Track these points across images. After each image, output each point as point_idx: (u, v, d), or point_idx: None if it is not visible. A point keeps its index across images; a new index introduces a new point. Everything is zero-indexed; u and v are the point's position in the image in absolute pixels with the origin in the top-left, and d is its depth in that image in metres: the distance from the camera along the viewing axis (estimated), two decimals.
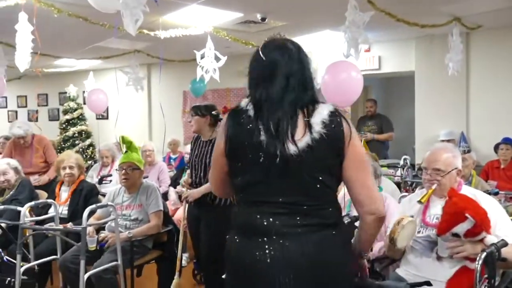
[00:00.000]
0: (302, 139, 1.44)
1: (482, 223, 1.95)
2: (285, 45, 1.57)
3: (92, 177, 5.09)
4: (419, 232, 2.23)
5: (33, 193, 3.95)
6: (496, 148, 5.00)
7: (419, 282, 1.86)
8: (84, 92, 7.73)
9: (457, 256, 2.03)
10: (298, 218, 1.46)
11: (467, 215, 1.93)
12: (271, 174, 1.45)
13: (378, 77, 7.05)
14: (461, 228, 1.96)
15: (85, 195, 3.68)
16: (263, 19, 4.75)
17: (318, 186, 1.46)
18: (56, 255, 3.21)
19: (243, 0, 4.25)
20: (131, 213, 3.36)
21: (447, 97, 5.67)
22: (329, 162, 1.48)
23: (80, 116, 8.62)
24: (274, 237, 1.45)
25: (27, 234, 3.15)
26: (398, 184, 4.35)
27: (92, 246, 3.04)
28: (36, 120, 9.37)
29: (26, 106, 9.87)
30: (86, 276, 2.77)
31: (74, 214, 3.56)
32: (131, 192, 3.42)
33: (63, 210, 3.60)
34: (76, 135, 8.39)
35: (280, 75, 1.51)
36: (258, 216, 1.47)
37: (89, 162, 7.85)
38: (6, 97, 9.87)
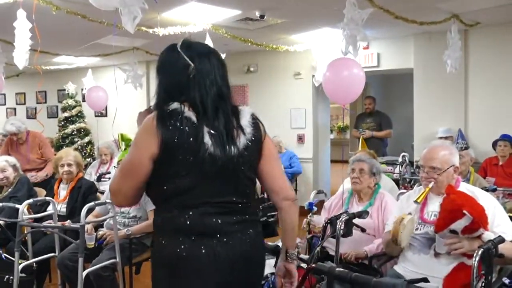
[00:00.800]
0: (239, 142, 1.55)
1: (479, 220, 1.96)
2: (210, 52, 1.63)
3: (90, 175, 5.10)
4: (417, 229, 2.24)
5: (32, 190, 3.95)
6: (494, 145, 5.01)
7: (416, 279, 1.87)
8: (82, 89, 7.72)
9: (454, 253, 2.04)
10: (234, 217, 1.56)
11: (464, 212, 1.93)
12: (210, 175, 1.50)
13: (376, 74, 7.05)
14: (459, 224, 1.96)
15: (84, 193, 3.68)
16: (261, 17, 4.74)
17: (247, 184, 1.61)
18: (55, 252, 3.21)
19: None
20: (129, 210, 3.36)
21: (445, 94, 5.68)
22: (255, 161, 1.62)
23: (79, 114, 8.60)
24: (219, 236, 1.52)
25: (25, 232, 3.15)
26: (396, 181, 4.36)
27: (91, 243, 3.05)
28: (35, 117, 9.37)
29: (25, 103, 9.86)
30: (84, 273, 2.78)
31: (73, 212, 3.56)
32: None
33: (62, 208, 3.60)
34: (75, 132, 8.37)
35: (212, 82, 1.56)
36: (202, 218, 1.51)
37: (88, 159, 7.85)
38: (4, 94, 9.85)
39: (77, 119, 8.52)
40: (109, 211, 3.36)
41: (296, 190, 6.69)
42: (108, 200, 3.13)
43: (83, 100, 7.98)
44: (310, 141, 6.83)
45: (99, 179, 4.65)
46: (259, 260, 1.67)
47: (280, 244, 2.36)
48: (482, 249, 1.84)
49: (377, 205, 2.85)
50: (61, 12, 4.16)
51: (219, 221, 1.52)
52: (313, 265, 1.86)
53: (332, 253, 2.69)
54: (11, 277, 3.08)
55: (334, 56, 4.15)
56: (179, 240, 1.50)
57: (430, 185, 2.28)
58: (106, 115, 8.51)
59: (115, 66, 7.98)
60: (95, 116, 8.70)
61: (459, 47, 4.77)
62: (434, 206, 2.25)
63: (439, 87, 5.71)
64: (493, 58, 5.41)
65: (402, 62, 6.12)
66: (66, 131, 8.30)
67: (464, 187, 2.31)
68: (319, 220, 2.84)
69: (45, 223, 3.33)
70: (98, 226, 3.41)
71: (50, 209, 3.51)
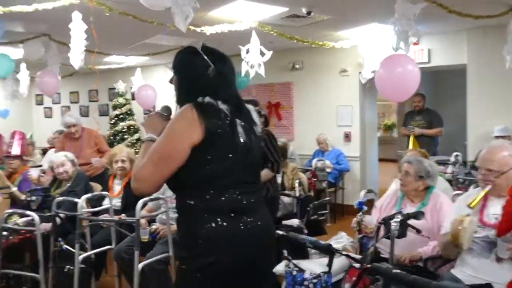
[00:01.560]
0: (257, 133, 1.79)
1: None
2: (225, 57, 1.81)
3: None
4: (476, 232, 2.16)
5: (88, 185, 4.12)
6: None
7: (479, 284, 1.80)
8: (132, 88, 7.95)
9: None
10: (256, 196, 1.75)
11: None
12: (241, 160, 1.68)
13: (427, 70, 6.83)
14: None
15: None
16: (308, 13, 4.70)
17: (259, 168, 1.88)
18: (111, 245, 3.35)
19: None
20: None
21: (502, 92, 5.42)
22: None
23: (129, 112, 8.89)
24: (249, 214, 1.68)
25: (84, 225, 3.29)
26: (449, 181, 4.22)
27: (145, 237, 3.15)
28: (87, 115, 9.75)
29: (78, 102, 10.29)
30: (140, 266, 2.88)
31: (127, 206, 3.68)
32: None
33: (116, 202, 3.73)
34: (125, 129, 8.66)
35: (231, 82, 1.78)
36: (239, 198, 1.67)
37: (137, 156, 8.09)
38: (59, 93, 10.32)
39: (127, 116, 8.81)
40: (161, 206, 3.46)
41: (343, 188, 6.62)
42: (161, 196, 3.23)
43: (133, 98, 8.23)
44: (357, 139, 6.71)
45: None
46: (274, 236, 1.88)
47: (333, 243, 2.35)
48: None
49: (431, 206, 2.75)
50: (113, 13, 4.31)
51: (250, 200, 1.70)
52: (368, 265, 1.84)
53: (384, 254, 2.65)
54: (71, 267, 3.25)
55: (382, 53, 4.06)
56: (217, 219, 1.62)
57: (487, 189, 2.19)
58: None
59: (164, 65, 8.22)
60: (144, 113, 8.96)
61: None
62: (494, 209, 2.17)
63: (495, 84, 5.46)
64: None
65: (454, 58, 5.90)
66: (116, 128, 8.60)
67: None
68: (370, 220, 2.79)
69: (101, 217, 3.46)
70: (150, 220, 3.52)
71: (105, 204, 3.67)
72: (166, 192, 3.18)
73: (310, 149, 6.79)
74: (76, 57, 4.14)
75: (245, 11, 4.69)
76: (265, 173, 3.34)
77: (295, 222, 2.52)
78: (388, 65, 3.78)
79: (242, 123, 1.70)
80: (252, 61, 4.90)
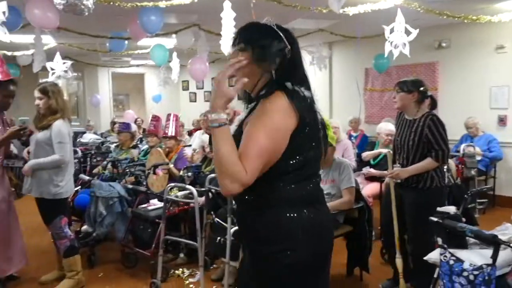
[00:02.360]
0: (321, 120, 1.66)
1: None
2: (295, 38, 1.66)
3: None
4: None
5: None
6: None
7: None
8: None
9: None
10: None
11: None
12: (321, 148, 1.61)
13: None
14: None
15: None
16: None
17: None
18: None
19: None
20: (323, 187, 3.47)
21: None
22: None
23: None
24: (323, 203, 1.65)
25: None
26: None
27: None
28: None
29: None
30: None
31: None
32: (324, 167, 3.53)
33: None
34: None
35: (302, 64, 1.65)
36: (318, 188, 1.62)
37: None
38: (202, 80, 11.13)
39: None
40: None
41: (494, 177, 6.00)
42: None
43: None
44: None
45: None
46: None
47: (497, 234, 2.16)
48: None
49: None
50: (259, 0, 4.46)
51: (321, 190, 1.66)
52: None
53: None
54: (222, 239, 3.52)
55: None
56: (303, 209, 1.54)
57: None
58: None
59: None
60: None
61: None
62: None
63: None
64: None
65: None
66: None
67: None
68: None
69: None
70: None
71: None
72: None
73: (455, 134, 6.26)
74: (227, 44, 4.39)
75: None
76: (428, 163, 3.10)
77: (451, 209, 2.36)
78: None
79: (318, 110, 1.62)
80: (396, 41, 4.66)
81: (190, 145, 5.59)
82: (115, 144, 6.15)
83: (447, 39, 6.58)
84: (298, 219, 1.52)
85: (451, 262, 2.18)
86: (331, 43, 8.09)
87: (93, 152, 6.30)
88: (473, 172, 5.54)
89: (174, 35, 5.99)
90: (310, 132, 1.54)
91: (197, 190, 3.51)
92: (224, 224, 3.45)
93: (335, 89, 8.40)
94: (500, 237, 2.14)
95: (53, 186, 3.43)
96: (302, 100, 1.52)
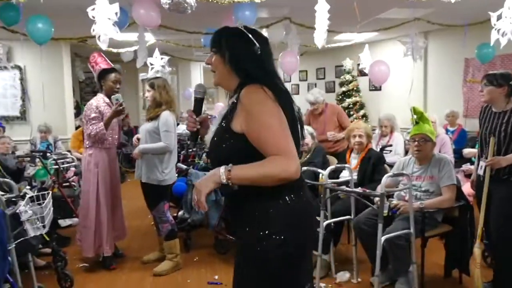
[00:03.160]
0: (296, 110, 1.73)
1: None
2: (265, 37, 1.75)
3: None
4: None
5: (325, 158, 4.39)
6: None
7: None
8: (358, 65, 8.03)
9: None
10: None
11: None
12: (298, 136, 1.68)
13: None
14: None
15: (373, 163, 3.86)
16: None
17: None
18: (350, 215, 3.50)
19: None
20: (421, 184, 3.35)
21: None
22: None
23: (355, 88, 9.02)
24: (304, 190, 1.68)
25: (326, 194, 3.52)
26: None
27: (385, 211, 3.17)
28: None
29: (306, 80, 10.96)
30: (382, 239, 2.93)
31: (363, 180, 3.80)
32: (422, 163, 3.40)
33: (353, 176, 3.87)
34: (351, 106, 8.84)
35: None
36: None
37: None
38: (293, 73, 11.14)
39: (353, 93, 8.96)
40: (399, 182, 3.44)
41: None
42: (404, 172, 3.20)
43: (363, 74, 8.27)
44: None
45: (381, 151, 4.78)
46: None
47: None
48: None
49: None
50: None
51: (302, 179, 1.71)
52: None
53: None
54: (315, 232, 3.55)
55: None
56: (286, 195, 1.59)
57: None
58: (379, 89, 8.65)
59: (394, 39, 7.99)
60: (370, 90, 8.97)
61: None
62: None
63: None
64: None
65: None
66: (343, 104, 8.83)
67: None
68: None
69: (343, 188, 3.63)
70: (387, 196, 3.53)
71: (343, 176, 3.85)
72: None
73: None
74: (320, 37, 4.37)
75: None
76: None
77: None
78: None
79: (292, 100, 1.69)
80: (505, 28, 4.31)
81: None
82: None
83: None
84: (278, 206, 1.58)
85: None
86: (426, 33, 7.68)
87: (188, 142, 6.63)
88: None
89: (264, 29, 6.07)
90: (289, 119, 1.58)
91: None
92: (316, 217, 3.46)
93: (430, 81, 7.97)
94: None
95: (159, 173, 3.71)
96: (279, 91, 1.60)
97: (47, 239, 3.38)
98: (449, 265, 3.47)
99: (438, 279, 3.52)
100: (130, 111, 9.19)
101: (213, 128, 1.70)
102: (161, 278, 3.77)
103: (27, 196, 3.12)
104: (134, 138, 4.05)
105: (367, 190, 3.24)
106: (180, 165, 5.11)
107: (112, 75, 3.94)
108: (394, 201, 3.27)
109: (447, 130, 6.52)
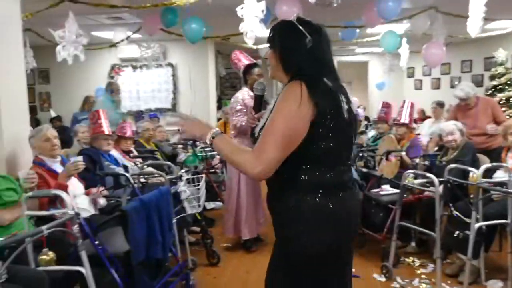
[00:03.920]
0: (353, 108, 1.71)
1: None
2: (321, 28, 1.72)
3: None
4: None
5: (475, 156, 4.06)
6: None
7: None
8: None
9: None
10: (350, 174, 1.74)
11: None
12: (346, 137, 1.67)
13: None
14: None
15: None
16: None
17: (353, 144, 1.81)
18: (506, 219, 3.19)
19: None
20: None
21: None
22: None
23: (509, 82, 8.09)
24: (347, 191, 1.68)
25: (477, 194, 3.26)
26: None
27: None
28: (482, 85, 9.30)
29: (449, 73, 10.20)
30: None
31: None
32: None
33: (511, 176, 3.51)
34: (503, 101, 7.95)
35: (330, 54, 1.74)
36: (338, 176, 1.65)
37: None
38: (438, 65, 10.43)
39: (506, 87, 8.05)
40: None
41: None
42: None
43: None
44: None
45: None
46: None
47: None
48: None
49: None
50: None
51: (349, 176, 1.71)
52: None
53: None
54: (461, 233, 3.33)
55: None
56: (325, 195, 1.60)
57: None
58: None
59: None
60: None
61: None
62: None
63: None
64: None
65: None
66: (494, 99, 8.00)
67: None
68: None
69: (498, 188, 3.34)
70: None
71: (496, 176, 3.53)
72: None
73: None
74: (475, 25, 4.05)
75: None
76: None
77: None
78: None
79: (344, 99, 1.64)
80: None
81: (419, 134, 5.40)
82: None
83: None
84: (312, 205, 1.60)
85: None
86: None
87: None
88: None
89: (405, 21, 5.81)
90: (330, 122, 1.58)
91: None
92: (464, 218, 3.24)
93: None
94: None
95: None
96: (322, 90, 1.59)
97: (199, 218, 3.73)
98: None
99: None
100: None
101: (265, 116, 1.77)
102: None
103: (184, 178, 3.48)
104: None
105: None
106: None
107: (256, 70, 4.22)
108: None
109: None
